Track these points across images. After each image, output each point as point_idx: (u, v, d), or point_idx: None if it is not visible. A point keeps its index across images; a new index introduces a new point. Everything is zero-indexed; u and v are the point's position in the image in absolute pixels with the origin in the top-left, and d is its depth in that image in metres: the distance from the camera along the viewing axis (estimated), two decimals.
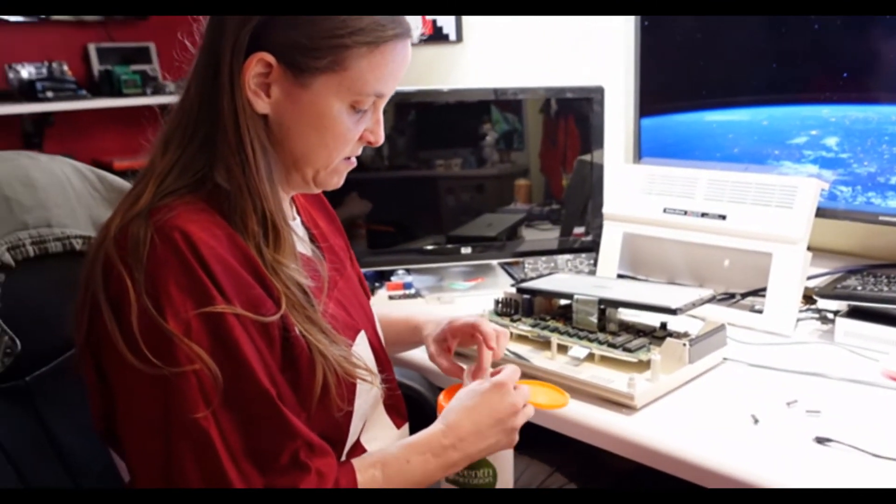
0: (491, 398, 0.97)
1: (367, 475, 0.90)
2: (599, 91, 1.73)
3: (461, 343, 1.16)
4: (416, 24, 0.92)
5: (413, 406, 1.22)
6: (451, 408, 0.98)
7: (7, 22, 3.26)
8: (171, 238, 0.81)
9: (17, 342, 0.96)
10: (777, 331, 1.39)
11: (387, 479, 0.91)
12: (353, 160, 0.97)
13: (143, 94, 3.38)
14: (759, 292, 1.46)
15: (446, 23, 2.50)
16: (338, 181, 0.98)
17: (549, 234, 1.80)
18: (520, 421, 0.99)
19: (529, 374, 1.22)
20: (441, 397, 1.05)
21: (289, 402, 0.85)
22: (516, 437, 1.00)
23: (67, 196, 1.07)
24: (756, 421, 1.07)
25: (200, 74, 0.88)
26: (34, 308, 1.00)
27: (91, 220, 1.08)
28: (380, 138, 0.96)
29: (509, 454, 1.04)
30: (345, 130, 0.91)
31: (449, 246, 1.77)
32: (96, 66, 3.49)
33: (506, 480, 1.03)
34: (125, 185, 1.14)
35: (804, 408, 1.10)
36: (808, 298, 1.45)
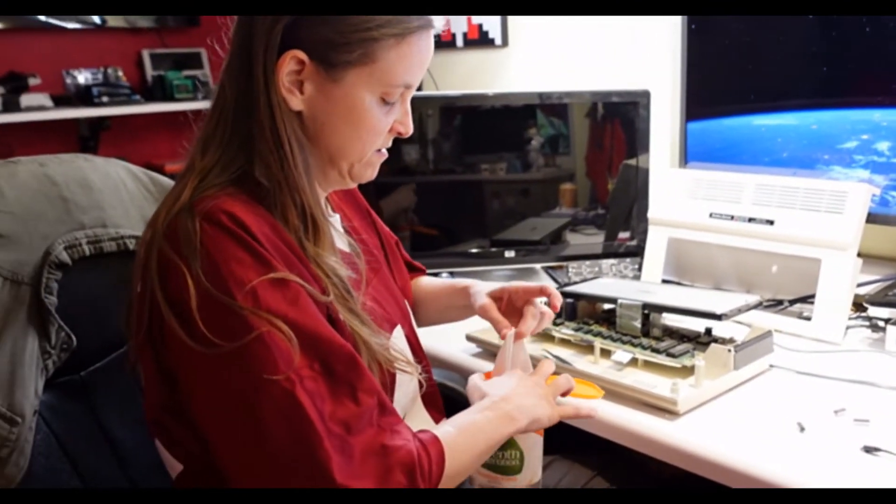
0: (512, 375, 1.04)
1: (441, 430, 0.92)
2: (646, 95, 1.72)
3: (514, 303, 1.18)
4: (439, 15, 0.94)
5: (452, 405, 1.22)
6: (481, 382, 1.04)
7: (65, 29, 3.36)
8: (219, 220, 0.83)
9: (74, 338, 1.00)
10: (826, 338, 1.37)
11: (460, 431, 0.93)
12: (385, 151, 1.00)
13: (195, 98, 3.45)
14: (808, 299, 1.44)
15: (492, 27, 2.51)
16: (371, 173, 1.00)
17: (593, 239, 1.79)
18: (546, 390, 1.03)
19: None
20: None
21: None
22: (555, 407, 1.02)
23: (121, 197, 1.11)
24: (802, 429, 1.05)
25: (234, 76, 0.91)
26: (89, 305, 1.04)
27: (143, 220, 1.11)
28: (409, 128, 0.98)
29: (538, 442, 1.05)
30: (376, 122, 0.93)
31: (493, 249, 1.77)
32: (150, 72, 3.57)
33: (532, 468, 1.04)
34: None
35: (852, 416, 1.08)
36: (859, 306, 1.42)
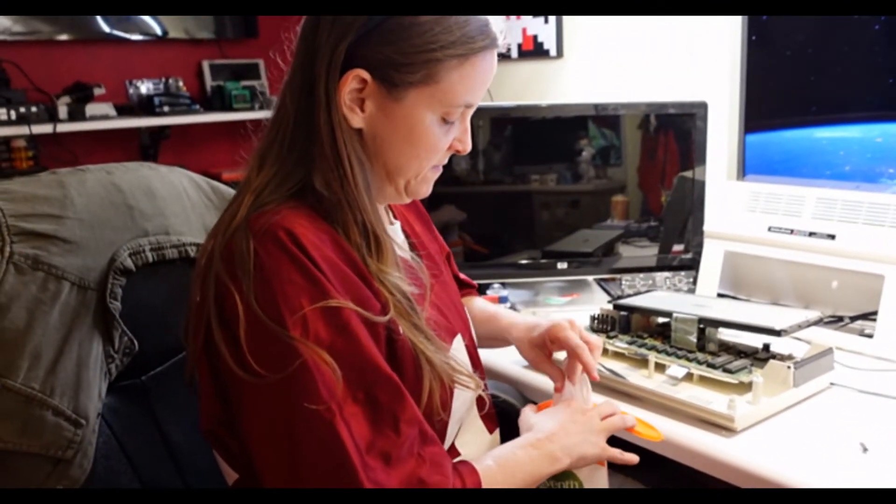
0: (566, 408, 1.05)
1: (482, 465, 0.92)
2: (703, 107, 1.70)
3: (558, 348, 1.17)
4: (503, 33, 0.94)
5: (506, 418, 1.22)
6: (532, 416, 1.05)
7: (128, 41, 3.45)
8: (277, 237, 0.83)
9: (136, 343, 1.03)
10: (888, 356, 1.33)
11: (500, 467, 0.93)
12: (440, 168, 1.00)
13: (252, 108, 3.51)
14: (870, 316, 1.40)
15: (547, 38, 2.50)
16: (426, 190, 1.01)
17: (646, 251, 1.77)
18: (598, 426, 1.03)
19: (625, 393, 1.21)
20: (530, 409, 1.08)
21: None
22: (603, 446, 1.01)
23: (184, 205, 1.13)
24: (865, 449, 1.03)
25: (296, 92, 0.91)
26: (151, 311, 1.06)
27: (204, 228, 1.14)
28: (467, 146, 0.98)
29: (599, 472, 1.04)
30: (436, 141, 0.93)
31: (544, 261, 1.77)
32: (209, 82, 3.65)
33: None
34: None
35: None
36: None
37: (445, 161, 1.00)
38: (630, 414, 1.08)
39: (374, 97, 0.90)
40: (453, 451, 1.03)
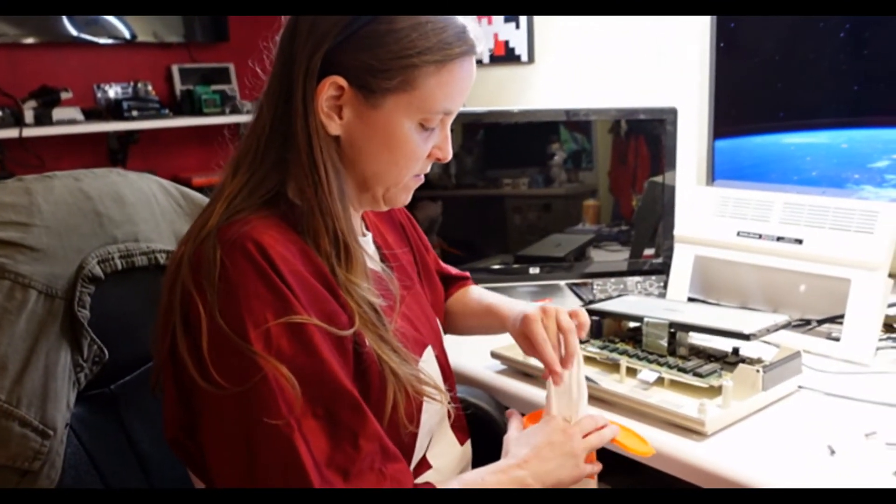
0: (545, 427, 1.02)
1: (446, 488, 0.92)
2: (673, 112, 1.72)
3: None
4: (481, 39, 0.94)
5: (481, 425, 1.22)
6: (513, 438, 1.03)
7: (96, 44, 3.41)
8: (246, 249, 0.83)
9: (105, 351, 1.01)
10: (855, 359, 1.35)
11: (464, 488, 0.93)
12: (422, 177, 0.99)
13: (222, 113, 3.49)
14: (837, 319, 1.42)
15: (518, 44, 2.52)
16: (405, 198, 1.00)
17: (617, 256, 1.79)
18: (578, 447, 1.00)
19: (597, 397, 1.21)
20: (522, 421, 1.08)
21: None
22: (582, 467, 1.00)
23: (153, 212, 1.12)
24: (832, 452, 1.04)
25: (273, 99, 0.91)
26: (120, 319, 1.05)
27: (174, 235, 1.13)
28: (448, 154, 0.98)
29: (590, 485, 1.04)
30: (415, 148, 0.93)
31: (516, 266, 1.77)
32: (178, 86, 3.62)
33: None
34: (206, 200, 1.18)
35: (884, 440, 1.07)
36: (889, 327, 1.41)
37: (427, 170, 0.99)
38: (613, 425, 1.06)
39: (351, 104, 0.90)
40: (425, 463, 1.03)
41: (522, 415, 1.12)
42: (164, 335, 0.87)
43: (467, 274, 1.37)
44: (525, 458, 0.97)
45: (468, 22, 0.92)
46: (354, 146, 0.92)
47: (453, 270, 1.35)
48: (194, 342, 0.83)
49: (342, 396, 0.84)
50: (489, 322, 1.25)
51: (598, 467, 1.04)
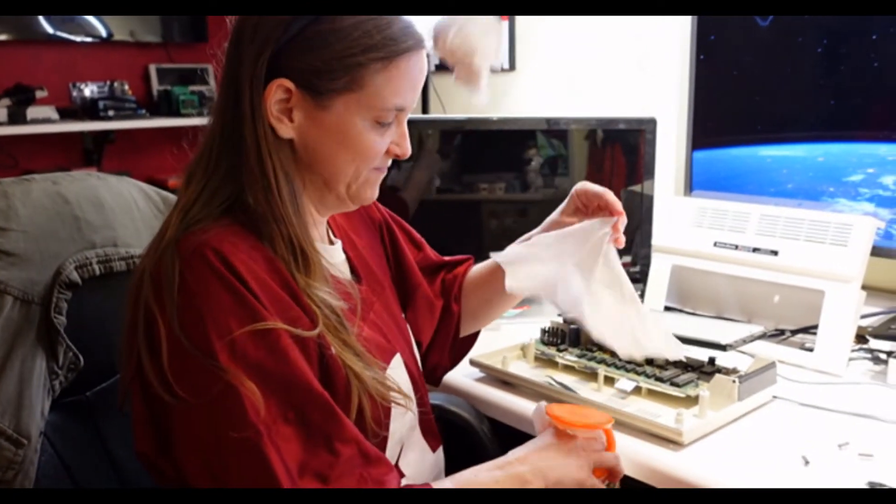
0: (549, 434, 1.00)
1: (438, 485, 0.92)
2: (652, 122, 1.73)
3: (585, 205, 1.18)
4: (427, 35, 0.94)
5: (459, 432, 1.23)
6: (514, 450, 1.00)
7: (72, 42, 3.38)
8: (205, 257, 0.82)
9: (81, 358, 1.00)
10: (828, 370, 1.37)
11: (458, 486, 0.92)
12: (384, 170, 0.99)
13: (201, 114, 3.47)
14: (811, 330, 1.44)
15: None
16: (372, 194, 0.99)
17: None
18: (582, 450, 0.98)
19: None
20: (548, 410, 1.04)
21: None
22: (586, 469, 0.98)
23: (133, 216, 1.11)
24: (807, 462, 1.06)
25: (221, 105, 0.91)
26: (97, 325, 1.04)
27: None
28: (406, 150, 0.97)
29: None
30: (371, 145, 0.93)
31: None
32: (156, 87, 3.59)
33: None
34: None
35: (856, 451, 1.08)
36: (861, 338, 1.43)
37: (388, 164, 0.99)
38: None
39: (300, 107, 0.90)
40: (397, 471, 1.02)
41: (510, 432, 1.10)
42: (129, 353, 0.86)
43: (469, 256, 1.35)
44: (524, 454, 0.96)
45: (414, 19, 0.92)
46: (309, 148, 0.92)
47: (453, 257, 1.33)
48: (157, 359, 0.82)
49: (314, 400, 0.83)
50: (495, 281, 1.22)
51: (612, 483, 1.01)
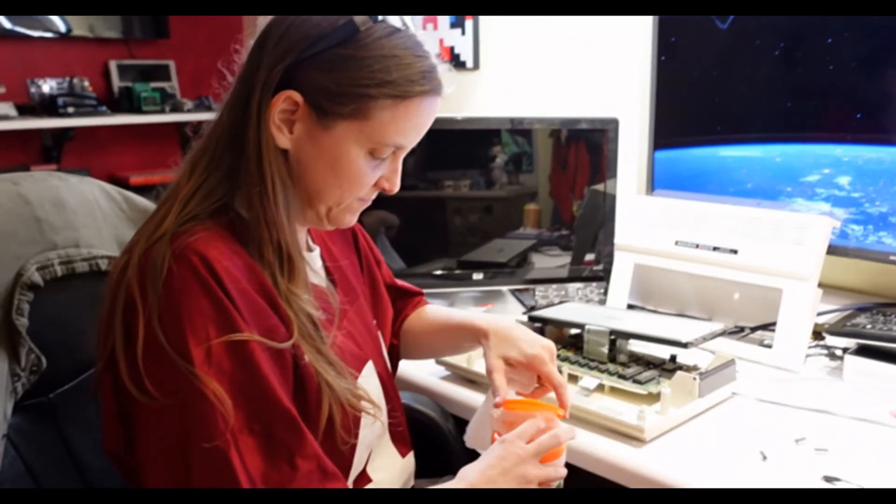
0: (497, 450, 0.96)
1: None
2: (615, 122, 1.75)
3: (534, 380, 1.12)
4: (450, 82, 0.94)
5: (426, 432, 1.23)
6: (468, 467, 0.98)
7: (30, 37, 3.32)
8: (190, 261, 0.82)
9: (43, 360, 0.99)
10: (786, 366, 1.40)
11: None
12: (368, 201, 0.99)
13: (162, 111, 3.42)
14: (769, 327, 1.47)
15: (463, 50, 2.53)
16: (350, 220, 1.00)
17: (559, 261, 1.81)
18: (530, 471, 0.94)
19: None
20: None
21: None
22: (537, 470, 0.95)
23: (95, 217, 1.10)
24: (764, 458, 1.08)
25: (232, 104, 0.92)
26: (60, 326, 1.03)
27: (116, 241, 1.11)
28: (395, 187, 0.97)
29: None
30: (361, 175, 0.93)
31: (458, 271, 1.79)
32: (116, 83, 3.54)
33: None
34: (150, 205, 1.16)
35: (812, 445, 1.11)
36: (818, 335, 1.46)
37: (373, 196, 0.99)
38: (565, 427, 1.00)
39: (304, 121, 0.90)
40: (365, 477, 1.03)
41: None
42: (105, 339, 0.86)
43: (421, 291, 1.34)
44: (471, 482, 0.93)
45: (439, 62, 0.92)
46: (301, 162, 0.92)
47: (406, 285, 1.32)
48: (132, 349, 0.82)
49: (280, 415, 0.84)
50: (458, 337, 1.19)
51: (562, 472, 0.99)
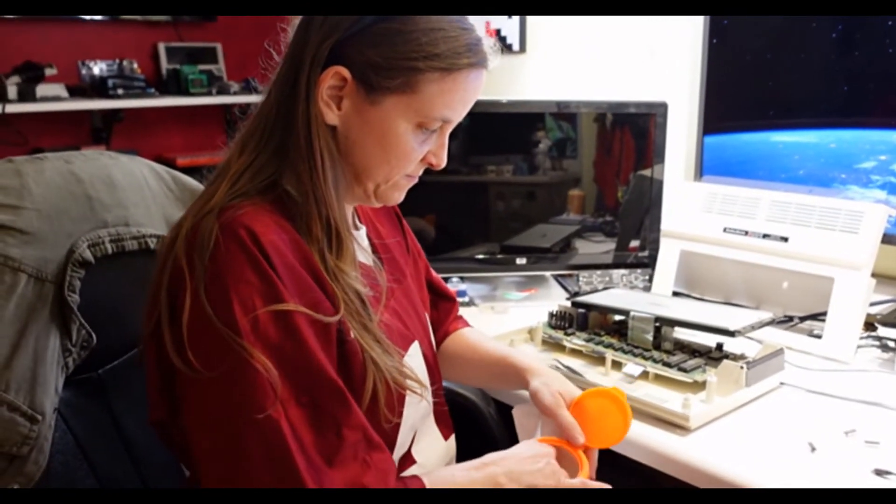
0: (529, 443, 1.00)
1: (413, 484, 0.92)
2: (663, 107, 1.72)
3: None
4: (495, 54, 0.94)
5: (468, 416, 1.23)
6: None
7: (81, 20, 3.37)
8: (237, 234, 0.83)
9: (94, 336, 1.01)
10: (836, 357, 1.37)
11: (433, 485, 0.92)
12: (415, 178, 0.99)
13: (209, 93, 3.46)
14: (819, 317, 1.44)
15: (510, 33, 2.51)
16: (398, 197, 1.00)
17: (602, 247, 1.80)
18: (539, 483, 0.96)
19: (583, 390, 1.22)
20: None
21: None
22: (560, 474, 0.99)
23: (144, 196, 1.11)
24: (813, 449, 1.06)
25: (281, 82, 0.92)
26: (109, 304, 1.05)
27: (165, 220, 1.12)
28: (442, 161, 0.97)
29: None
30: (409, 150, 0.93)
31: (501, 256, 1.78)
32: (165, 65, 3.58)
33: None
34: (197, 185, 1.18)
35: (863, 438, 1.09)
36: (870, 325, 1.43)
37: (420, 172, 0.99)
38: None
39: (352, 97, 0.90)
40: (409, 458, 1.03)
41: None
42: (151, 311, 0.88)
43: (454, 296, 1.31)
44: (501, 456, 0.97)
45: (484, 35, 0.92)
46: (349, 138, 0.92)
47: (442, 284, 1.29)
48: (178, 320, 0.83)
49: (327, 386, 0.84)
50: (501, 374, 1.17)
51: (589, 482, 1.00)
